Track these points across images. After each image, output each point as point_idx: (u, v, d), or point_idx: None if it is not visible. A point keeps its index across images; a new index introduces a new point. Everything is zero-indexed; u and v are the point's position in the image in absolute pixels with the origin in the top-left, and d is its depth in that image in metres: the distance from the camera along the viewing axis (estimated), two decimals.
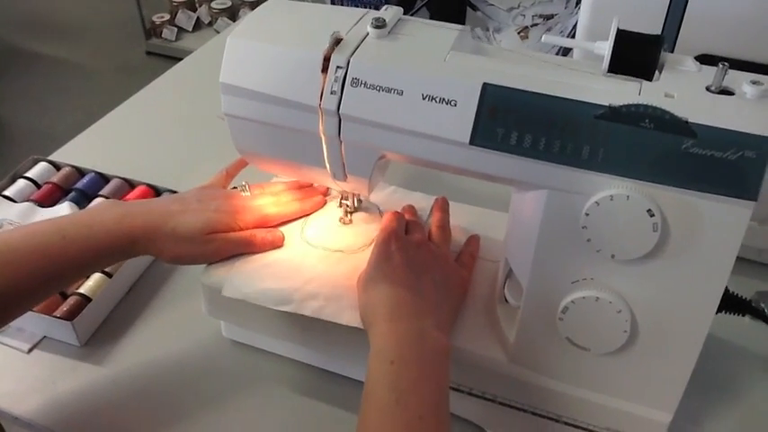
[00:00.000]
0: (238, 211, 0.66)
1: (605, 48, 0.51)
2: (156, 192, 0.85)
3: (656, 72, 0.51)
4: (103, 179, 0.87)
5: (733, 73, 0.49)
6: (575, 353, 0.55)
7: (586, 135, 0.48)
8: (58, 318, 0.69)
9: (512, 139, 0.49)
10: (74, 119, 2.44)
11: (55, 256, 0.59)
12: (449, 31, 0.55)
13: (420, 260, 0.60)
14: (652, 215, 0.47)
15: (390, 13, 0.56)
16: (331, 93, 0.53)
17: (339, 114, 0.53)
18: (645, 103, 0.47)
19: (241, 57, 0.55)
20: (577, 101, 0.48)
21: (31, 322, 0.70)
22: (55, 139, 1.02)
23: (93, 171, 0.87)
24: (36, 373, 0.68)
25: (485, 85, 0.49)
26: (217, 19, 2.97)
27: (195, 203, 0.65)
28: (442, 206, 0.70)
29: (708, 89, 0.49)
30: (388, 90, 0.51)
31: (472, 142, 0.50)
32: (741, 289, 0.64)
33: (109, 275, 0.74)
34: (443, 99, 0.50)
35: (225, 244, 0.64)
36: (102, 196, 0.83)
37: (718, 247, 0.48)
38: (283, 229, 0.69)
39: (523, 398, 0.59)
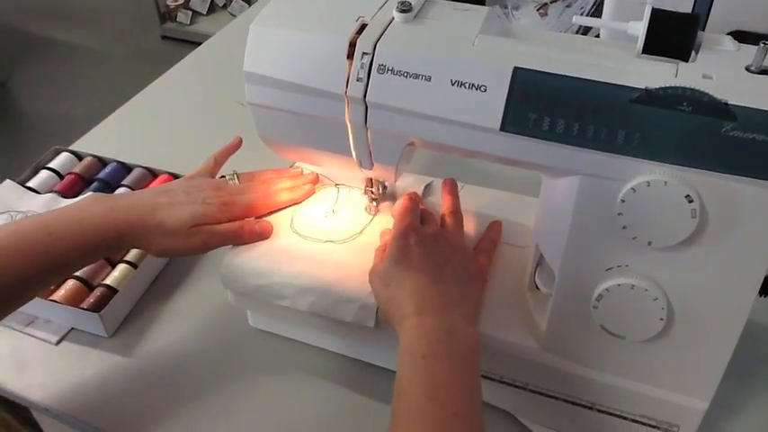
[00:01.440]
0: (226, 202, 0.64)
1: (639, 28, 0.50)
2: None
3: (693, 53, 0.49)
4: (126, 168, 0.86)
5: None
6: (609, 340, 0.54)
7: (621, 119, 0.46)
8: (86, 309, 0.69)
9: (544, 125, 0.48)
10: (91, 105, 2.44)
11: (41, 254, 0.58)
12: (476, 13, 0.54)
13: (439, 253, 0.58)
14: (690, 201, 0.45)
15: None
16: (357, 80, 0.52)
17: (366, 102, 0.52)
18: (682, 85, 0.45)
19: (264, 45, 0.54)
20: (612, 84, 0.46)
21: (58, 314, 0.71)
22: (72, 126, 1.02)
23: (116, 161, 0.87)
24: (65, 365, 0.69)
25: (515, 69, 0.48)
26: (231, 1, 2.96)
27: (182, 195, 0.64)
28: (451, 189, 0.68)
29: (748, 69, 0.47)
30: (416, 76, 0.50)
31: (503, 128, 0.49)
32: None
33: (134, 266, 0.73)
34: (473, 84, 0.49)
35: (211, 237, 0.63)
36: (124, 186, 0.83)
37: (758, 233, 0.46)
38: (273, 218, 0.67)
39: (555, 385, 0.59)
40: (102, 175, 0.85)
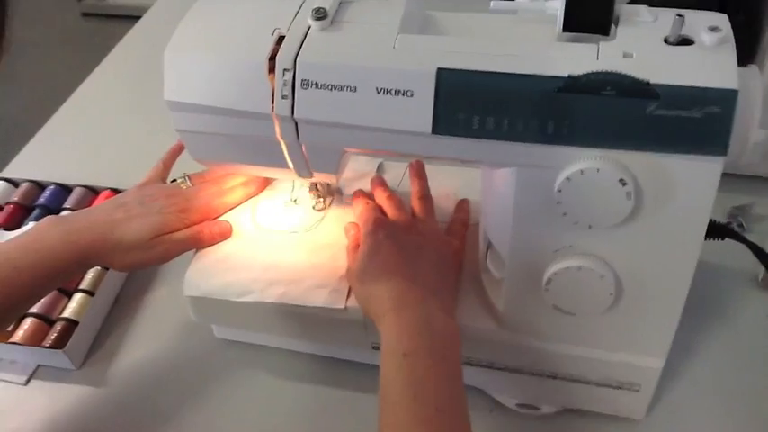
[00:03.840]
0: (182, 209, 0.65)
1: (557, 7, 0.49)
2: None
3: (613, 26, 0.49)
4: (65, 190, 0.84)
5: (690, 17, 0.48)
6: (563, 316, 0.55)
7: (549, 110, 0.46)
8: (49, 348, 0.68)
9: (474, 123, 0.48)
10: (21, 95, 2.34)
11: (10, 288, 0.58)
12: (394, 8, 0.52)
13: (411, 244, 0.58)
14: (624, 184, 0.46)
15: None
16: (282, 97, 0.51)
17: (294, 119, 0.51)
18: (604, 69, 0.45)
19: (182, 71, 0.53)
20: (536, 75, 0.46)
21: (22, 354, 0.70)
22: (4, 121, 0.97)
23: (54, 183, 0.84)
24: (38, 403, 0.69)
25: (439, 71, 0.47)
26: None
27: (138, 207, 0.63)
28: (419, 172, 0.67)
29: (666, 41, 0.47)
30: (341, 88, 0.49)
31: (434, 131, 0.49)
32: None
33: (91, 293, 0.73)
34: (398, 90, 0.48)
35: (173, 245, 0.63)
36: (67, 209, 0.81)
37: (692, 204, 0.48)
38: (234, 215, 0.68)
39: (518, 361, 0.61)
40: (42, 200, 0.83)
